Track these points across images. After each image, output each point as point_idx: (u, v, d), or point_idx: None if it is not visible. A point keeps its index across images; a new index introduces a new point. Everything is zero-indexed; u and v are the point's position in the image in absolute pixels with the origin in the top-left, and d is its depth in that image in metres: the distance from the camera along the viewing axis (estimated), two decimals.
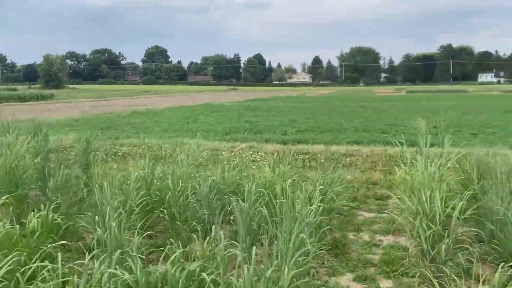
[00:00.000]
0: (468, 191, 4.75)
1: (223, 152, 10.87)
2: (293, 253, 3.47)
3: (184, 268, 3.20)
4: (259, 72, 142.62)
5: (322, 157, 10.16)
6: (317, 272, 4.61)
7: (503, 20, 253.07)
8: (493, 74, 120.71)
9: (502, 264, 3.33)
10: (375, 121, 19.66)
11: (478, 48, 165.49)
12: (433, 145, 6.08)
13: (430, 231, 4.34)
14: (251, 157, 10.38)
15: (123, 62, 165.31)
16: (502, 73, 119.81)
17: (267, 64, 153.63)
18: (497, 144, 10.63)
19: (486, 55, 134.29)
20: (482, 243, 4.70)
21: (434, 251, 4.27)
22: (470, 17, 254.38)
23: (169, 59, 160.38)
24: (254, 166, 8.40)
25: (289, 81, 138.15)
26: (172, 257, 3.36)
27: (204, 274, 2.98)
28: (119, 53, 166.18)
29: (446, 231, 4.44)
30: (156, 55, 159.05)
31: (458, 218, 4.26)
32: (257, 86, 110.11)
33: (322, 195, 5.25)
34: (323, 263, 4.82)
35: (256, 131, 16.39)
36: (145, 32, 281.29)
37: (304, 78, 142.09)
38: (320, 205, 5.18)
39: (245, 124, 19.00)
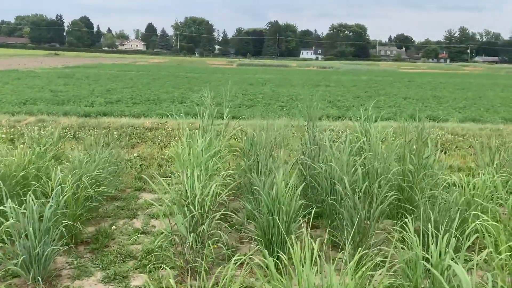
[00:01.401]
0: (232, 168, 4.47)
1: None
2: None
3: None
4: (86, 36, 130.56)
5: (117, 133, 9.27)
6: (59, 275, 3.82)
7: (321, 1, 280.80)
8: (312, 51, 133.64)
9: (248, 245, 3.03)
10: (195, 92, 19.34)
11: (300, 26, 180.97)
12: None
13: (189, 216, 3.93)
14: (33, 133, 8.81)
15: None
16: (320, 50, 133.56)
17: (95, 29, 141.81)
18: (296, 116, 11.21)
19: (307, 33, 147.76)
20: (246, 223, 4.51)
21: (192, 238, 3.87)
22: None
23: None
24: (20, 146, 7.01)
25: (120, 48, 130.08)
26: None
27: None
28: None
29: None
30: None
31: (214, 199, 3.91)
32: (84, 52, 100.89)
33: (77, 181, 4.41)
34: (73, 263, 4.04)
35: (58, 101, 14.44)
36: None
37: (137, 46, 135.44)
38: (75, 193, 4.36)
39: (48, 93, 16.67)
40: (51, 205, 3.72)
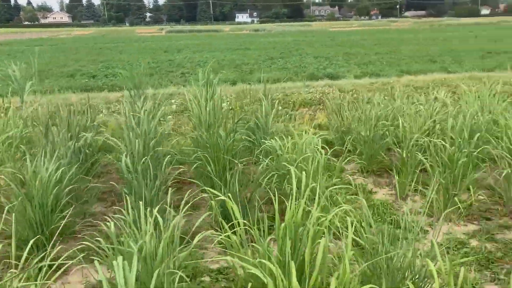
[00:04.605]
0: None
1: None
2: None
3: None
4: (3, 10, 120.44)
5: None
6: None
7: None
8: (248, 14, 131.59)
9: None
10: (94, 64, 18.18)
11: None
12: None
13: None
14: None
15: None
16: (255, 13, 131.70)
17: (12, 1, 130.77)
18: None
19: None
20: None
21: None
22: None
23: None
24: None
25: (43, 21, 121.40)
26: None
27: None
28: None
29: None
30: None
31: None
32: (1, 28, 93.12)
33: None
34: None
35: None
36: None
37: (62, 18, 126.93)
38: None
39: None
40: None
